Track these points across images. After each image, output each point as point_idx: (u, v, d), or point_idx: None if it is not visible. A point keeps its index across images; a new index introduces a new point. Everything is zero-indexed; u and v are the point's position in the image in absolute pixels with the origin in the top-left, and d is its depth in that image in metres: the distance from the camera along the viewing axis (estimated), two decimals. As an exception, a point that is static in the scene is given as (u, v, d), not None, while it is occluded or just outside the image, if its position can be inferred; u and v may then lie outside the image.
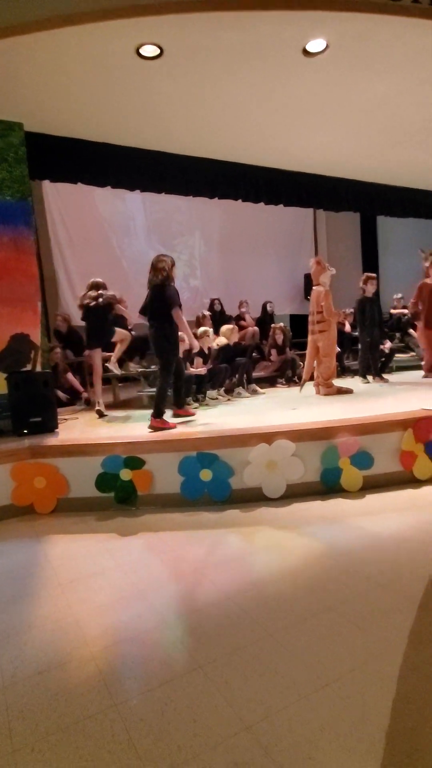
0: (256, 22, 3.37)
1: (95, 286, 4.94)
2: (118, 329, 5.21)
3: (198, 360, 5.50)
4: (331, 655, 1.72)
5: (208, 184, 5.75)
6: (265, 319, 7.90)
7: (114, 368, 5.48)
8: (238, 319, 7.52)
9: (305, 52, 3.75)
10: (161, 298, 3.96)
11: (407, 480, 3.50)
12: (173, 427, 3.89)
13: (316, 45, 3.66)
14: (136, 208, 8.41)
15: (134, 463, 3.40)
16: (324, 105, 4.67)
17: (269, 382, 6.75)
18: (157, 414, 3.91)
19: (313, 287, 5.60)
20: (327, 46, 3.69)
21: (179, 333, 4.10)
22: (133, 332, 6.01)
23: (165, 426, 3.86)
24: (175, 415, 4.38)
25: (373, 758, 1.30)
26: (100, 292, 4.90)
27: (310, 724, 1.43)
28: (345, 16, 3.40)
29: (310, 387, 5.63)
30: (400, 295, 8.72)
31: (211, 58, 3.76)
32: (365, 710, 1.46)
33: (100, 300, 4.87)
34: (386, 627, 1.86)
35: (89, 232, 7.77)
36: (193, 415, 4.49)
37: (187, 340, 4.26)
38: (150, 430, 3.83)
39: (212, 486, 3.38)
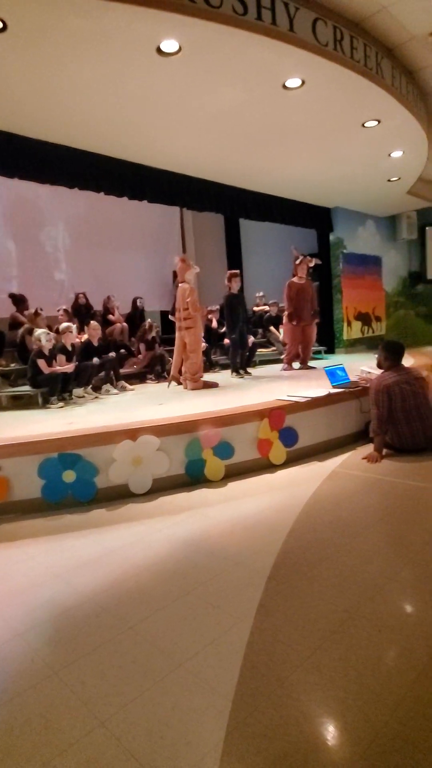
0: (105, 12, 3.31)
1: None
2: None
3: (61, 357, 5.27)
4: (187, 637, 1.80)
5: (66, 173, 5.50)
6: (135, 315, 7.86)
7: None
8: (106, 313, 7.36)
9: (159, 51, 3.80)
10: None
11: (265, 466, 3.79)
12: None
13: (169, 45, 3.72)
14: (-12, 193, 7.71)
15: (-13, 469, 3.14)
16: (178, 106, 4.77)
17: (139, 378, 6.74)
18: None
19: (179, 284, 5.71)
20: (180, 49, 3.78)
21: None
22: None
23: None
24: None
25: (219, 725, 1.39)
26: None
27: (162, 705, 1.48)
28: (196, 22, 3.51)
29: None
30: (261, 293, 9.32)
31: (60, 42, 3.60)
32: (215, 682, 1.56)
33: None
34: (239, 602, 2.01)
35: None
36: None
37: None
38: None
39: (76, 487, 3.27)
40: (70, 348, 5.54)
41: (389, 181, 7.85)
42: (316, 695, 1.47)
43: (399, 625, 1.79)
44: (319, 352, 8.58)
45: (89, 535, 2.84)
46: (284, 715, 1.41)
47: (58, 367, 5.21)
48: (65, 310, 6.85)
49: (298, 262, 6.77)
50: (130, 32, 3.54)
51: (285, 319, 6.85)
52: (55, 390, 5.09)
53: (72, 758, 1.33)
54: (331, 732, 1.35)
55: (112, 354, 5.98)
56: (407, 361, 4.83)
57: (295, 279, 6.74)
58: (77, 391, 5.44)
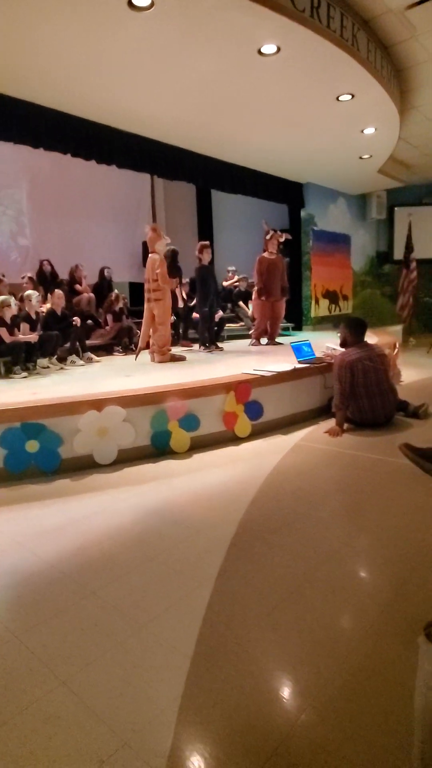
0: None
1: None
2: None
3: (24, 326, 5.12)
4: (149, 600, 1.85)
5: (32, 131, 5.23)
6: (103, 285, 7.68)
7: None
8: (72, 283, 7.16)
9: (131, 5, 3.61)
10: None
11: (230, 438, 3.84)
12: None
13: (140, -2, 3.55)
14: None
15: None
16: (150, 67, 4.59)
17: (106, 349, 6.64)
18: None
19: (149, 254, 5.60)
20: (152, 4, 3.60)
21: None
22: None
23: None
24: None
25: (178, 683, 1.45)
26: None
27: (123, 665, 1.52)
28: (169, -24, 3.35)
29: (146, 354, 5.71)
30: (233, 268, 9.25)
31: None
32: (175, 642, 1.61)
33: None
34: (200, 567, 2.06)
35: None
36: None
37: None
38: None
39: (40, 457, 3.24)
40: (33, 316, 5.38)
41: (361, 158, 7.85)
42: (271, 651, 1.55)
43: (352, 587, 1.88)
44: (286, 329, 8.65)
45: (53, 504, 2.83)
46: (240, 670, 1.47)
47: (20, 336, 5.06)
48: (30, 278, 6.61)
49: (268, 237, 6.73)
50: (99, -19, 3.35)
51: (255, 295, 6.85)
52: (18, 359, 4.96)
53: (32, 716, 1.35)
54: (284, 684, 1.42)
55: (76, 319, 5.81)
56: (371, 339, 4.94)
57: (265, 254, 6.70)
58: (42, 362, 5.31)
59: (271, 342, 6.93)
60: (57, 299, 5.82)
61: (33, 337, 5.12)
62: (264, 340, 6.98)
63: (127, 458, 3.45)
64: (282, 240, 6.97)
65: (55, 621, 1.76)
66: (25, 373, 4.96)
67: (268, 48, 4.32)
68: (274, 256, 6.71)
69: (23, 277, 6.54)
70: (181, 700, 1.38)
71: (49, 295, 6.03)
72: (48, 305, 5.88)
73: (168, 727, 1.29)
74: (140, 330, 5.84)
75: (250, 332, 7.25)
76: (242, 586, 1.90)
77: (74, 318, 5.71)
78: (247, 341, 7.15)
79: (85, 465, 3.34)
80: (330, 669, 1.46)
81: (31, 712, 1.36)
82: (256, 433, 3.96)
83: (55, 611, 1.82)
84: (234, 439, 3.85)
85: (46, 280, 6.96)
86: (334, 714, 1.30)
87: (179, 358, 5.58)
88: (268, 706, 1.34)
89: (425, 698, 0.93)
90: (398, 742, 1.21)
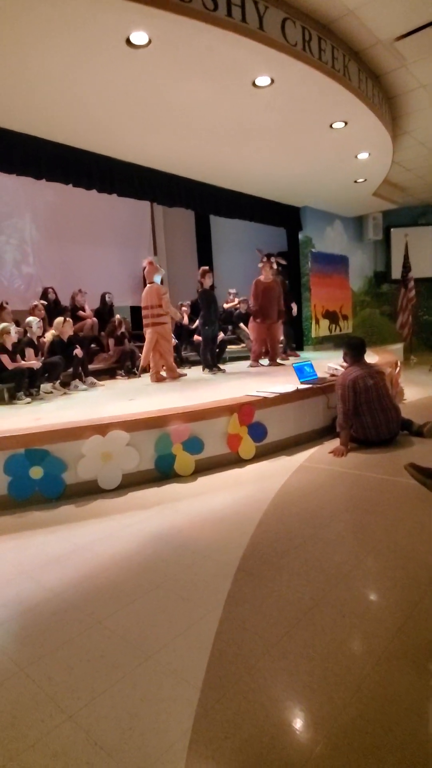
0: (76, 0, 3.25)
1: None
2: None
3: (29, 351, 5.16)
4: (156, 629, 1.82)
5: (34, 164, 5.37)
6: (104, 310, 7.76)
7: None
8: (75, 309, 7.24)
9: (129, 43, 3.75)
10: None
11: (234, 461, 3.82)
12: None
13: (139, 37, 3.68)
14: None
15: None
16: (147, 100, 4.73)
17: (109, 373, 6.67)
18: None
19: (148, 284, 5.73)
20: (150, 41, 3.74)
21: None
22: None
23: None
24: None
25: (187, 715, 1.41)
26: None
27: (131, 698, 1.49)
28: (166, 15, 3.49)
29: (146, 377, 5.74)
30: (234, 290, 9.35)
31: (28, 30, 3.51)
32: (184, 672, 1.58)
33: None
34: (208, 593, 2.03)
35: None
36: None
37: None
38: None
39: (44, 483, 3.23)
40: (36, 342, 5.43)
41: (356, 182, 8.01)
42: (282, 680, 1.51)
43: (362, 611, 1.85)
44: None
45: (57, 531, 2.81)
46: (251, 700, 1.44)
47: (23, 363, 5.10)
48: (43, 305, 6.63)
49: (261, 265, 6.86)
50: (100, 22, 3.48)
51: (252, 317, 6.93)
52: (22, 386, 4.99)
53: (39, 752, 1.32)
54: (296, 714, 1.39)
55: (78, 351, 5.83)
56: (372, 358, 4.96)
57: (261, 277, 6.80)
58: (45, 387, 5.34)
59: (273, 363, 6.95)
60: (67, 327, 5.86)
61: (35, 364, 5.16)
62: (265, 361, 7.01)
63: (132, 483, 3.43)
64: (275, 267, 7.08)
65: (61, 652, 1.73)
66: (28, 399, 4.98)
67: (263, 80, 4.47)
68: (271, 279, 6.80)
69: (36, 305, 6.55)
70: (191, 733, 1.34)
71: (59, 321, 6.03)
72: (52, 332, 5.91)
73: (178, 762, 1.26)
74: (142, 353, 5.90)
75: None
76: (251, 613, 1.87)
77: (76, 350, 5.75)
78: (248, 362, 7.18)
79: (90, 490, 3.33)
80: (343, 698, 1.42)
81: (39, 748, 1.33)
82: (261, 455, 3.94)
83: (61, 642, 1.79)
84: (238, 461, 3.83)
85: (50, 308, 7.04)
86: (349, 747, 1.27)
87: (180, 375, 5.64)
88: (281, 739, 1.31)
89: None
90: (416, 775, 1.17)
